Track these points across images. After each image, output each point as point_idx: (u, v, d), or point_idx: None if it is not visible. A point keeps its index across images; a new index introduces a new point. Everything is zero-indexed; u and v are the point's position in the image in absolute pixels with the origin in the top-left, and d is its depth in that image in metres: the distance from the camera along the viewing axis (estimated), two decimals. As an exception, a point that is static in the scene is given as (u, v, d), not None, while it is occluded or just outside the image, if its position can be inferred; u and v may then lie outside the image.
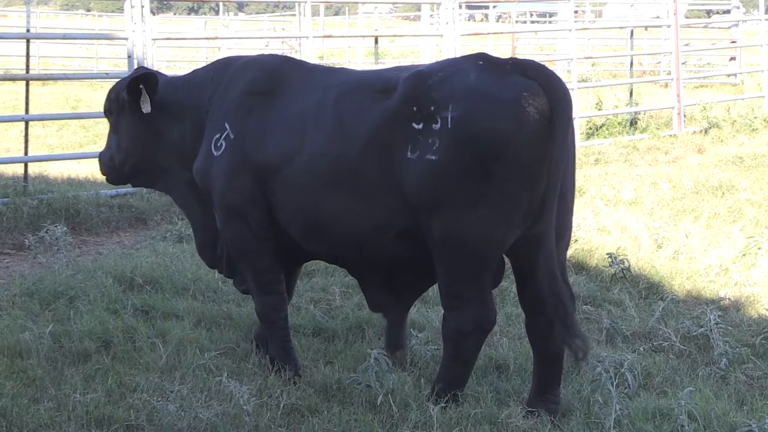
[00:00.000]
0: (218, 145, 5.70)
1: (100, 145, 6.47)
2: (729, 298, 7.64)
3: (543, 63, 5.40)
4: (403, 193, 5.10)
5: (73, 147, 14.67)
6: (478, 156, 4.95)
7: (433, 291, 6.55)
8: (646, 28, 23.16)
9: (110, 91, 6.35)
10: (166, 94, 6.10)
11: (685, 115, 15.59)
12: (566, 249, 5.31)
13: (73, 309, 6.82)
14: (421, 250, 5.28)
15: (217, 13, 32.21)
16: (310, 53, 12.94)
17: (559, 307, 5.07)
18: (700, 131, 15.16)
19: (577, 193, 5.85)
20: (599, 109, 15.93)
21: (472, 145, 4.94)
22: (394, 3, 28.48)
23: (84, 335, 6.30)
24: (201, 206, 6.09)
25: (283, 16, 30.50)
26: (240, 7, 41.40)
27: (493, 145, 4.93)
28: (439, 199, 5.02)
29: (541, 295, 5.15)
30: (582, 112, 14.96)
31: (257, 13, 41.11)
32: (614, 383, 5.21)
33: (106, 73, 18.26)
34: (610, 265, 8.06)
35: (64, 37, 23.32)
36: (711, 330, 6.47)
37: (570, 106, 5.11)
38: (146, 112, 5.97)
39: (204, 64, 6.52)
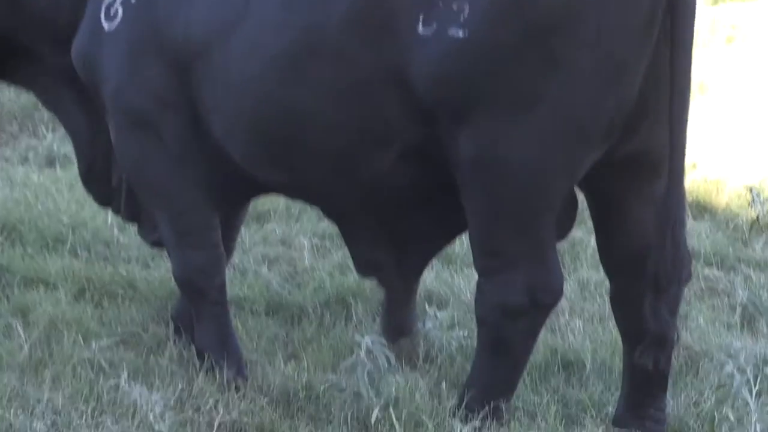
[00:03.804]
0: (112, 13, 5.06)
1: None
2: None
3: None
4: (412, 89, 4.41)
5: None
6: (533, 31, 4.29)
7: (461, 245, 6.09)
8: None
9: None
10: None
11: None
12: (680, 181, 4.59)
13: None
14: (440, 181, 4.63)
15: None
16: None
17: (665, 274, 4.44)
18: None
19: (698, 89, 5.38)
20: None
21: (523, 13, 4.29)
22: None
23: None
24: (85, 111, 5.43)
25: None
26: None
27: (557, 12, 4.27)
28: (469, 101, 4.35)
29: (637, 252, 4.54)
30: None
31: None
32: (753, 390, 4.54)
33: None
34: (750, 206, 7.12)
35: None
36: None
37: None
38: None
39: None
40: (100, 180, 5.52)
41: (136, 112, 5.04)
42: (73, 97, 5.41)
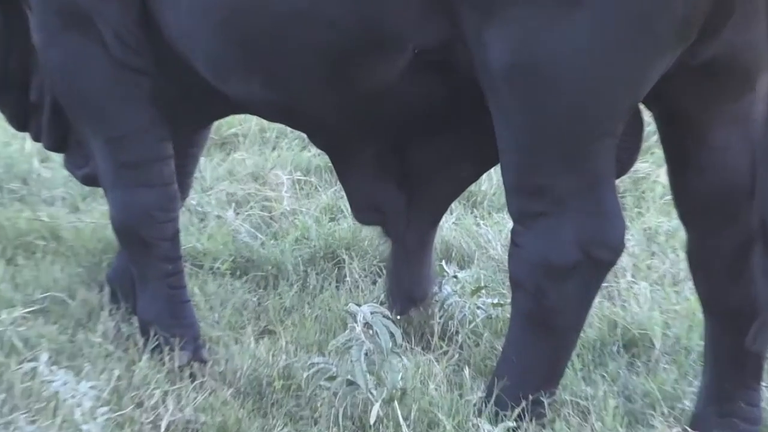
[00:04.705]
0: None
1: None
2: None
3: None
4: (427, -27, 4.12)
5: None
6: None
7: (490, 183, 5.89)
8: None
9: None
10: None
11: None
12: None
13: None
14: (464, 98, 4.16)
15: None
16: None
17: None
18: None
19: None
20: None
21: None
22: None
23: None
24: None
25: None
26: None
27: None
28: (503, -11, 4.00)
29: (722, 191, 4.06)
30: None
31: None
32: None
33: None
34: None
35: None
36: None
37: None
38: None
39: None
40: (16, 95, 4.96)
41: (72, 4, 4.47)
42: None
